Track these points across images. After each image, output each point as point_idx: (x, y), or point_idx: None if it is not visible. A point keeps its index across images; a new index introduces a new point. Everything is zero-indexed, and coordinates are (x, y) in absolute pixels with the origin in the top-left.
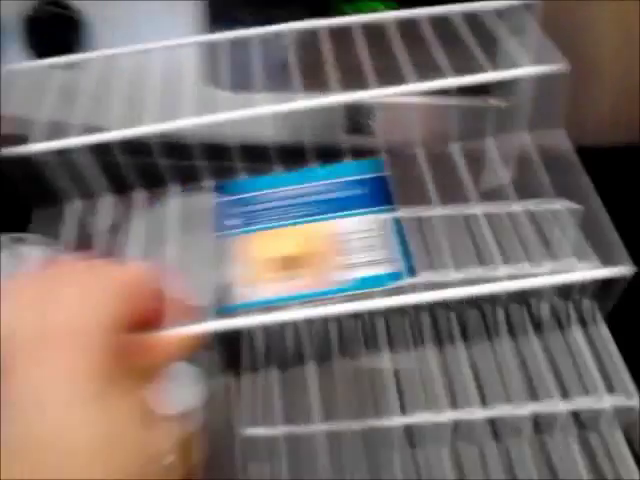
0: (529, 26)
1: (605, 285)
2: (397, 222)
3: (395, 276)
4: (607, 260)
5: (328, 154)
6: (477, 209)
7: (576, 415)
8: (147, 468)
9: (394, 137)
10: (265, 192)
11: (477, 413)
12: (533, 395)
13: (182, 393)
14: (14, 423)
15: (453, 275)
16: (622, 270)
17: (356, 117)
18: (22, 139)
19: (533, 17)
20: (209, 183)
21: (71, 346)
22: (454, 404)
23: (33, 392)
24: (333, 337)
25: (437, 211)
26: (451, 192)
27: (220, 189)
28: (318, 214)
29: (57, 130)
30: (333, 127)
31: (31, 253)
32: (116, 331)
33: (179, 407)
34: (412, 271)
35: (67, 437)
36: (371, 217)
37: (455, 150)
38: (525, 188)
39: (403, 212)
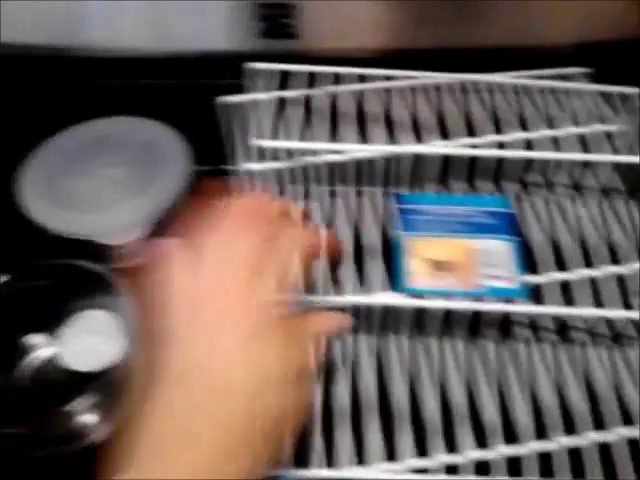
0: None
1: None
2: (520, 251)
3: (516, 292)
4: None
5: None
6: None
7: None
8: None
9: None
10: (426, 207)
11: None
12: None
13: (108, 347)
14: (187, 356)
15: None
16: None
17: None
18: None
19: None
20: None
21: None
22: None
23: (207, 333)
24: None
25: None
26: None
27: (397, 198)
28: (462, 232)
29: None
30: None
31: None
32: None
33: (104, 361)
34: (527, 293)
35: (232, 374)
36: (500, 242)
37: None
38: None
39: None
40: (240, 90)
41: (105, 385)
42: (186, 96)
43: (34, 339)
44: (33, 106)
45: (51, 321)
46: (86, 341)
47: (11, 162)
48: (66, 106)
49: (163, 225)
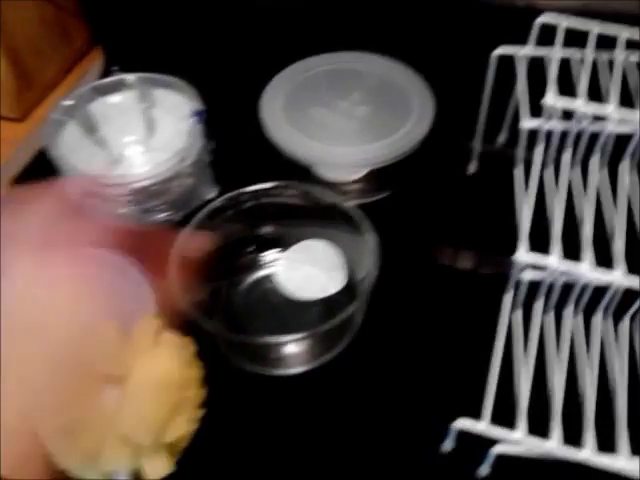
0: None
1: None
2: None
3: None
4: None
5: None
6: None
7: None
8: None
9: None
10: None
11: None
12: None
13: (326, 279)
14: None
15: None
16: None
17: None
18: None
19: None
20: None
21: None
22: None
23: None
24: None
25: None
26: None
27: None
28: None
29: None
30: None
31: (166, 98)
32: None
33: (322, 293)
34: None
35: None
36: None
37: None
38: None
39: None
40: (508, 42)
41: (316, 317)
42: (438, 41)
43: (263, 257)
44: (274, 33)
45: (282, 242)
46: (307, 270)
47: (256, 86)
48: (307, 35)
49: (390, 171)
